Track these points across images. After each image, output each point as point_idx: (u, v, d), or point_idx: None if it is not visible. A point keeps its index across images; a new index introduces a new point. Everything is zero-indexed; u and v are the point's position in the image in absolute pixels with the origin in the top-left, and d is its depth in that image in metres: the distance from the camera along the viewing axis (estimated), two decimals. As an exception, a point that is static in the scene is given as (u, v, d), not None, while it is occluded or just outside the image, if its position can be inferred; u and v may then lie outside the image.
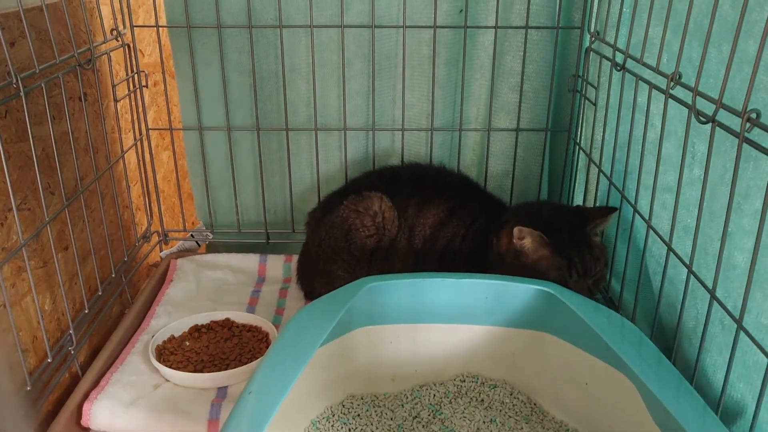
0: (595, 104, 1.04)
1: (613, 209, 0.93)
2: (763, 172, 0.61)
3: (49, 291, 0.88)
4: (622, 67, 0.91)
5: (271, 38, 1.14)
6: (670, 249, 0.77)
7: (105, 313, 1.03)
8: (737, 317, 0.63)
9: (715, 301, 0.68)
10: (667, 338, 0.82)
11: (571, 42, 1.14)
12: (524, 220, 0.89)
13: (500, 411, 0.81)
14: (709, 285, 0.68)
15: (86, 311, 0.96)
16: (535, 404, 0.83)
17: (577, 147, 1.15)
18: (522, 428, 0.78)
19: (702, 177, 0.70)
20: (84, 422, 0.84)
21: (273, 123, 1.20)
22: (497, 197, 1.09)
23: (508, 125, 1.18)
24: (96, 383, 0.89)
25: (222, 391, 0.89)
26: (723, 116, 0.64)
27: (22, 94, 0.77)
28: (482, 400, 0.83)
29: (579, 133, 1.14)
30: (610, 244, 0.98)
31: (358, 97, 1.18)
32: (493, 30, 1.12)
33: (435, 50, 1.12)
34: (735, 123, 0.62)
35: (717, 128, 0.65)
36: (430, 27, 1.11)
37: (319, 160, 1.21)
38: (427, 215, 1.01)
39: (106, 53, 1.05)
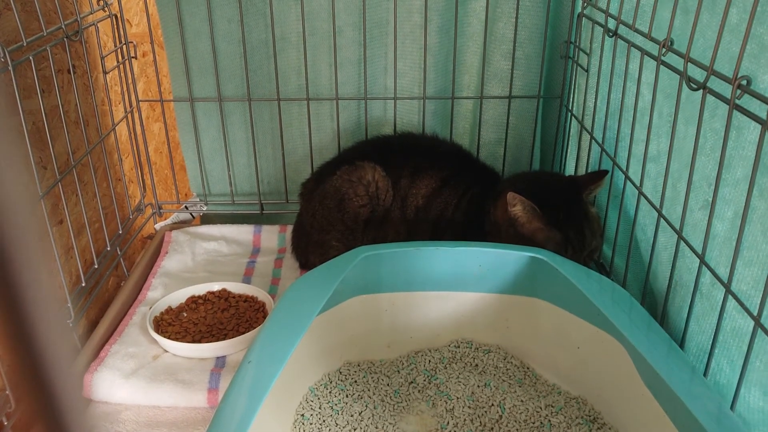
0: (587, 71, 1.04)
1: (605, 172, 0.93)
2: (745, 141, 0.62)
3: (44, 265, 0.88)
4: (614, 34, 0.90)
5: (261, 6, 1.13)
6: (660, 215, 0.78)
7: (101, 286, 1.04)
8: (721, 286, 0.64)
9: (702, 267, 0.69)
10: (656, 302, 0.84)
11: (563, 7, 1.13)
12: (519, 190, 0.89)
13: (494, 375, 0.83)
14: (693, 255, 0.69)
15: (83, 284, 0.96)
16: (528, 368, 0.85)
17: (570, 114, 1.15)
18: (515, 391, 0.79)
19: (679, 148, 0.70)
20: (85, 393, 0.85)
21: (264, 93, 1.19)
22: (490, 167, 1.09)
23: (501, 93, 1.18)
24: (95, 355, 0.90)
25: (220, 361, 0.91)
26: (711, 84, 0.65)
27: (10, 67, 0.76)
28: (476, 365, 0.85)
29: (571, 100, 1.14)
30: (602, 211, 0.99)
31: (349, 65, 1.18)
32: (485, -4, 1.11)
33: (426, 17, 1.11)
34: (723, 90, 0.63)
35: (699, 97, 0.66)
36: (421, -6, 1.10)
37: (312, 130, 1.21)
38: (420, 185, 1.01)
39: (94, 24, 1.03)
